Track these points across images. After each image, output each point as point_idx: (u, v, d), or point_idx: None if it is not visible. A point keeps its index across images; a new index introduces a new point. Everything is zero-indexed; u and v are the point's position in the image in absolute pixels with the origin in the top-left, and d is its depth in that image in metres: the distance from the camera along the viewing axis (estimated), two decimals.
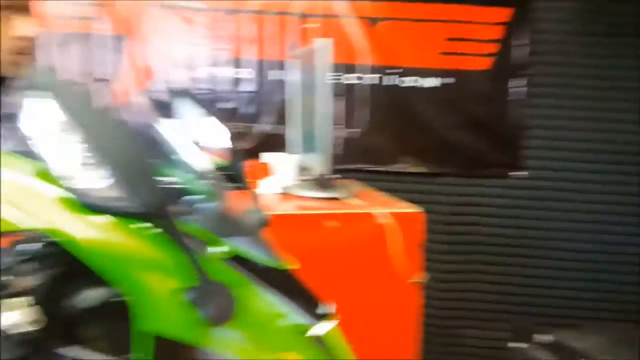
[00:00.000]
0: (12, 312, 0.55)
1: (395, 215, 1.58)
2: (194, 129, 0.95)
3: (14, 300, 0.56)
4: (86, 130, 0.45)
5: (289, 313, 0.66)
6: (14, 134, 0.57)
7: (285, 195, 1.85)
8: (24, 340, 0.54)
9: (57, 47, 2.74)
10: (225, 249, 0.63)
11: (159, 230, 0.51)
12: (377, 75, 2.65)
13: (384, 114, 2.66)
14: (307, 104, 1.93)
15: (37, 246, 0.59)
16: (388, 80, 2.66)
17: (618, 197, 2.68)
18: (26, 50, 1.14)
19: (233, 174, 0.88)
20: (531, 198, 2.70)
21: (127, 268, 0.54)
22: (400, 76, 2.65)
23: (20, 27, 1.11)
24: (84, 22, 2.73)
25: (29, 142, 0.44)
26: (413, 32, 2.64)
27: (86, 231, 0.52)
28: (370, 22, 2.64)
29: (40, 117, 0.44)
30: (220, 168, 0.87)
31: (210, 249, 0.61)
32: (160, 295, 0.55)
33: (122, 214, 0.48)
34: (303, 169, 1.94)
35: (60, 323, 0.59)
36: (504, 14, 2.64)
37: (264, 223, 0.78)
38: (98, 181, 0.46)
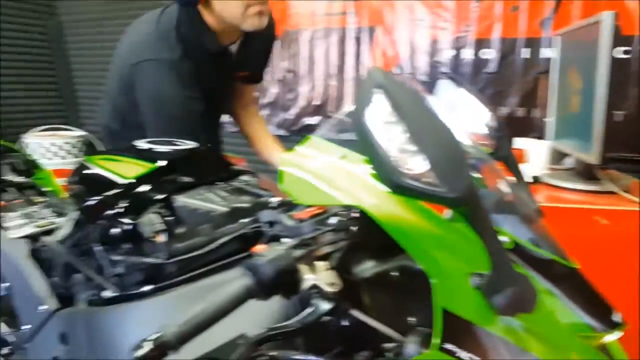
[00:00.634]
0: (315, 274, 0.65)
1: None
2: (458, 112, 0.96)
3: (317, 263, 0.66)
4: (410, 121, 0.50)
5: (576, 314, 0.63)
6: (328, 123, 0.68)
7: (538, 184, 1.71)
8: (326, 299, 0.64)
9: (313, 42, 3.06)
10: (505, 239, 0.64)
11: (468, 215, 0.53)
12: None
13: None
14: (568, 84, 1.77)
15: (337, 219, 0.69)
16: None
17: None
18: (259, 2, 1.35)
19: (502, 160, 0.87)
20: None
21: (424, 245, 0.59)
22: None
23: None
24: (337, 18, 2.98)
25: (358, 130, 0.51)
26: None
27: (389, 207, 0.59)
28: None
29: (374, 109, 0.51)
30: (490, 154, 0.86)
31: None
32: (453, 274, 0.59)
33: (432, 198, 0.52)
34: (558, 156, 1.79)
35: (352, 289, 0.68)
36: None
37: (539, 214, 0.76)
38: (415, 167, 0.51)
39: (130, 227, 0.85)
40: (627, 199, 1.49)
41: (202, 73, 1.48)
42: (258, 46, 1.62)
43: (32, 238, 1.20)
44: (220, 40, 1.49)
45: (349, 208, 0.69)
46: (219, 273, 0.81)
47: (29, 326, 1.07)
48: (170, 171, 0.96)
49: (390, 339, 0.64)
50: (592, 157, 1.50)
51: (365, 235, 0.68)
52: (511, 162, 0.86)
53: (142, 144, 1.05)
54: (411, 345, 0.60)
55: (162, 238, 0.84)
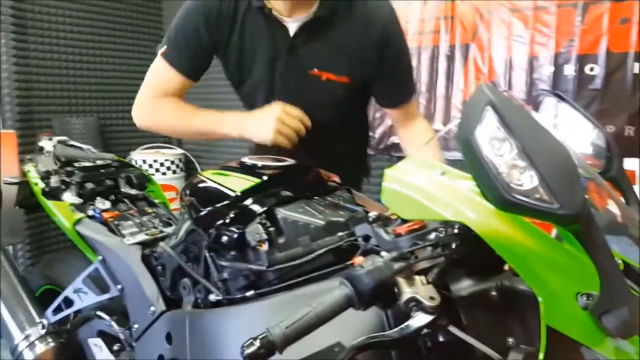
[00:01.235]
0: (413, 288, 0.65)
1: None
2: (564, 130, 0.92)
3: (416, 277, 0.67)
4: (520, 137, 0.51)
5: None
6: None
7: None
8: (425, 312, 0.64)
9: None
10: (617, 260, 0.61)
11: (579, 233, 0.52)
12: None
13: None
14: None
15: (436, 234, 0.70)
16: None
17: None
18: None
19: (611, 180, 0.83)
20: None
21: (531, 262, 0.58)
22: None
23: None
24: (429, 36, 2.97)
25: (465, 145, 0.52)
26: None
27: (493, 223, 0.59)
28: None
29: (483, 125, 0.51)
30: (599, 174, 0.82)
31: None
32: (560, 293, 0.57)
33: (543, 215, 0.51)
34: None
35: (450, 305, 0.68)
36: None
37: None
38: (525, 182, 0.50)
39: (237, 235, 0.91)
40: None
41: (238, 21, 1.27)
42: (332, 38, 1.26)
43: (144, 245, 1.30)
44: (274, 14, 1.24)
45: (450, 224, 0.69)
46: (315, 283, 0.84)
47: (137, 325, 1.16)
48: (272, 186, 1.02)
49: (486, 357, 0.63)
50: None
51: (465, 252, 0.67)
52: (622, 183, 0.82)
53: (248, 161, 1.12)
54: None
55: (265, 247, 0.88)
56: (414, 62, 3.02)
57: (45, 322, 1.40)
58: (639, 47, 2.33)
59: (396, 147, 3.05)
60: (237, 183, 1.03)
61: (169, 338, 1.04)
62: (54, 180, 1.54)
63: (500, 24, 2.74)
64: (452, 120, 2.81)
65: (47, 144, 1.71)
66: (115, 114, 3.45)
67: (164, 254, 1.14)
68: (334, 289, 0.64)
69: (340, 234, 0.93)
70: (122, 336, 1.28)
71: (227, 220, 0.94)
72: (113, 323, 1.29)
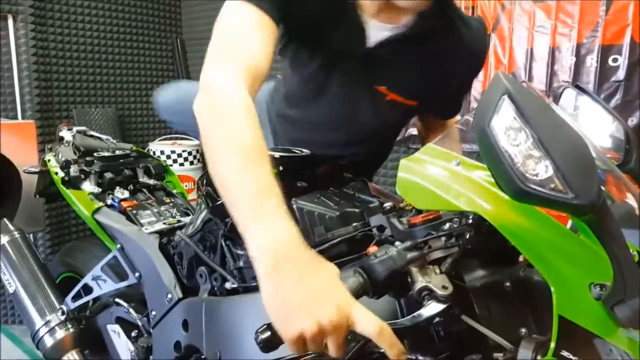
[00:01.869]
0: (425, 277, 0.66)
1: None
2: (583, 122, 0.91)
3: (429, 267, 0.67)
4: (536, 127, 0.50)
5: None
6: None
7: None
8: (437, 301, 0.64)
9: None
10: (632, 252, 0.60)
11: (594, 224, 0.52)
12: None
13: None
14: None
15: (450, 224, 0.69)
16: None
17: None
18: None
19: (629, 173, 0.82)
20: None
21: (545, 252, 0.58)
22: None
23: None
24: None
25: (481, 135, 0.52)
26: None
27: (508, 214, 0.59)
28: None
29: (499, 115, 0.51)
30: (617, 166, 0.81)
31: None
32: (573, 283, 0.57)
33: (558, 205, 0.51)
34: None
35: (463, 295, 0.68)
36: None
37: None
38: (540, 172, 0.50)
39: None
40: None
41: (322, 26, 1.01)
42: (421, 61, 1.05)
43: (161, 234, 1.32)
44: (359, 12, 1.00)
45: (464, 214, 0.69)
46: None
47: (155, 312, 1.18)
48: (288, 176, 1.02)
49: (499, 347, 0.63)
50: None
51: (479, 242, 0.67)
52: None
53: None
54: (524, 352, 0.59)
55: None
56: None
57: (65, 308, 1.43)
58: None
59: (414, 138, 3.03)
60: None
61: (185, 325, 1.05)
62: (74, 170, 1.57)
63: (522, 14, 2.71)
64: (471, 111, 2.79)
65: (66, 134, 1.74)
66: (133, 104, 3.49)
67: (181, 242, 1.15)
68: (348, 278, 0.65)
69: (355, 224, 0.93)
70: (139, 323, 1.30)
71: None
72: (131, 310, 1.32)
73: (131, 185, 1.60)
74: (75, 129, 1.77)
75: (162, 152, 3.32)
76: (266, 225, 0.67)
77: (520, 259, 0.67)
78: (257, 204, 0.69)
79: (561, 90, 0.94)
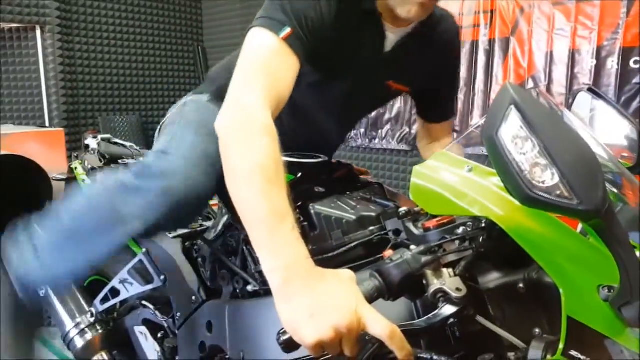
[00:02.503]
0: (440, 280, 0.68)
1: None
2: (597, 125, 0.93)
3: (443, 270, 0.69)
4: (542, 135, 0.53)
5: None
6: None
7: None
8: (451, 303, 0.66)
9: None
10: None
11: (600, 228, 0.54)
12: None
13: None
14: None
15: (463, 228, 0.72)
16: None
17: None
18: None
19: None
20: None
21: (554, 256, 0.60)
22: None
23: None
24: (469, 31, 2.95)
25: (490, 143, 0.55)
26: None
27: (518, 218, 0.61)
28: None
29: (507, 124, 0.54)
30: (629, 168, 0.83)
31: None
32: (582, 285, 0.59)
33: (564, 211, 0.53)
34: None
35: (477, 296, 0.70)
36: None
37: None
38: (545, 179, 0.52)
39: None
40: None
41: (348, 32, 1.08)
42: (418, 54, 1.20)
43: (185, 238, 1.36)
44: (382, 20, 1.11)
45: (477, 219, 0.71)
46: None
47: (180, 314, 1.23)
48: (306, 181, 1.05)
49: (513, 347, 0.65)
50: None
51: (492, 245, 0.70)
52: None
53: (283, 158, 1.16)
54: (534, 352, 0.61)
55: None
56: None
57: (94, 310, 1.48)
58: None
59: None
60: None
61: (209, 326, 1.09)
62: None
63: (541, 17, 2.70)
64: (471, 126, 2.76)
65: (92, 142, 1.79)
66: (157, 112, 3.57)
67: (204, 246, 1.19)
68: (364, 281, 0.67)
69: (371, 228, 0.96)
70: (165, 324, 1.34)
71: None
72: (157, 312, 1.36)
73: None
74: (100, 137, 1.82)
75: None
76: (278, 249, 0.72)
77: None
78: (271, 227, 0.73)
79: (575, 94, 0.95)
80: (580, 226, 0.65)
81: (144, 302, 1.39)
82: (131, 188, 1.01)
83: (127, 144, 1.82)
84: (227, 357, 1.03)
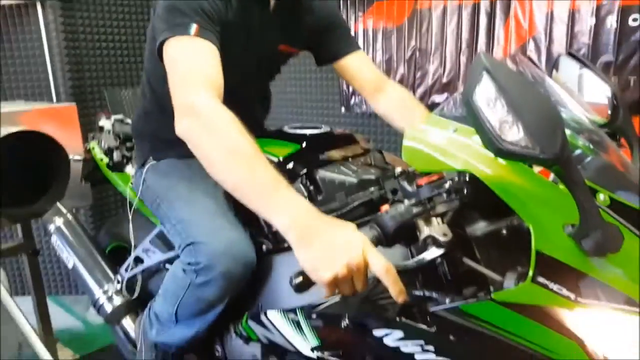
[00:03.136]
0: (430, 227, 0.78)
1: None
2: (576, 85, 1.00)
3: (433, 219, 0.79)
4: (509, 96, 0.62)
5: None
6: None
7: None
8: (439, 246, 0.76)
9: (444, 19, 3.08)
10: (602, 196, 0.72)
11: (560, 174, 0.63)
12: None
13: None
14: None
15: (450, 182, 0.81)
16: None
17: None
18: None
19: (618, 130, 0.91)
20: None
21: (525, 201, 0.70)
22: None
23: None
24: None
25: (467, 106, 0.64)
26: None
27: (495, 170, 0.71)
28: None
29: (480, 88, 0.63)
30: (602, 125, 0.91)
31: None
32: (549, 224, 0.69)
33: (529, 159, 0.63)
34: None
35: (462, 241, 0.80)
36: None
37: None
38: (513, 134, 0.62)
39: None
40: None
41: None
42: (294, 12, 1.29)
43: None
44: None
45: (461, 173, 0.80)
46: None
47: None
48: (311, 150, 1.15)
49: (493, 280, 0.75)
50: None
51: (475, 196, 0.79)
52: (627, 132, 0.90)
53: (288, 130, 1.26)
54: (509, 281, 0.71)
55: None
56: (455, 21, 3.03)
57: (120, 277, 1.59)
58: None
59: (436, 106, 3.09)
60: (280, 149, 1.17)
61: None
62: (117, 155, 1.71)
63: None
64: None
65: (106, 122, 1.87)
66: None
67: None
68: (364, 232, 0.77)
69: (372, 189, 1.06)
70: None
71: None
72: None
73: None
74: (113, 117, 1.90)
75: None
76: (283, 207, 0.79)
77: None
78: (270, 192, 0.81)
79: (557, 59, 1.03)
80: (552, 176, 0.74)
81: (167, 266, 1.49)
82: (201, 284, 1.13)
83: None
84: (246, 310, 1.14)
